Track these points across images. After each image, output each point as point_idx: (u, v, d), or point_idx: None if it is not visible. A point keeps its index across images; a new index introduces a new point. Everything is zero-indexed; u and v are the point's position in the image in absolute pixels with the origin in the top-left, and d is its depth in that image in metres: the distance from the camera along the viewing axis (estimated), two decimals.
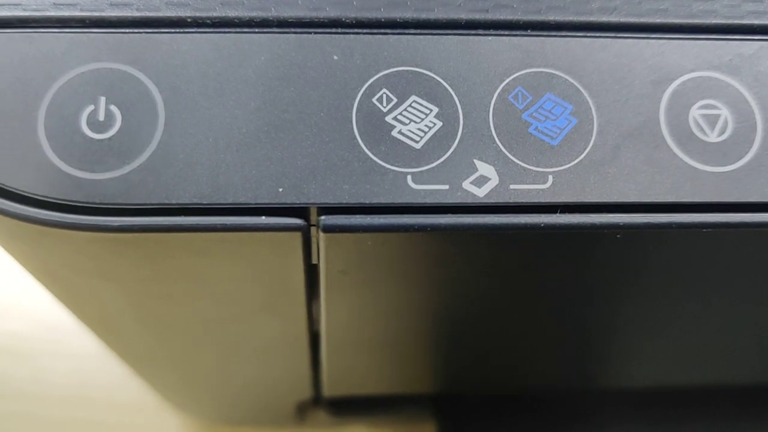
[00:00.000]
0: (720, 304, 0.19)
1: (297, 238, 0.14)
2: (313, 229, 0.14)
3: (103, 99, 0.13)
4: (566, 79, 0.14)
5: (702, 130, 0.14)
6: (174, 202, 0.13)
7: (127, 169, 0.13)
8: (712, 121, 0.14)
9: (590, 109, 0.14)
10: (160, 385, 0.28)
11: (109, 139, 0.13)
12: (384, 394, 0.27)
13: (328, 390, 0.25)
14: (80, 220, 0.13)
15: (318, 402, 0.27)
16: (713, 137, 0.14)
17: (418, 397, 0.29)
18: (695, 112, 0.14)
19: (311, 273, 0.16)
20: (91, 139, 0.13)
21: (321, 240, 0.14)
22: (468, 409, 0.29)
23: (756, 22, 0.15)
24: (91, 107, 0.13)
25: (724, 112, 0.14)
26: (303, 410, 0.29)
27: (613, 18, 0.15)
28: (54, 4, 0.14)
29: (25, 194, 0.13)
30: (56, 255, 0.15)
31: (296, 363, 0.22)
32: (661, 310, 0.19)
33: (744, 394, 0.29)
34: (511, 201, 0.13)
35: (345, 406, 0.29)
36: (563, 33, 0.14)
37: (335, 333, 0.19)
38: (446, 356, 0.23)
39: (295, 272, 0.15)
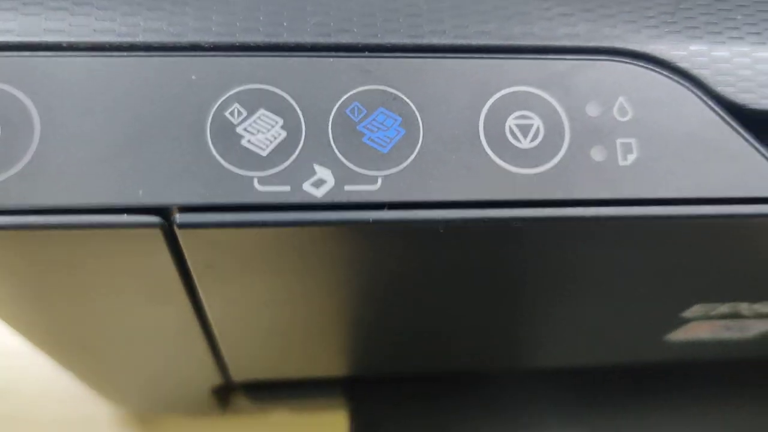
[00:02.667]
0: (574, 291, 0.21)
1: (158, 234, 0.16)
2: (175, 227, 0.16)
3: None
4: (397, 95, 0.16)
5: (516, 137, 0.16)
6: (47, 203, 0.15)
7: (4, 176, 0.15)
8: (525, 129, 0.16)
9: (417, 121, 0.16)
10: (86, 378, 0.30)
11: None
12: (294, 379, 0.29)
13: (235, 375, 0.27)
14: None
15: (231, 387, 0.29)
16: (526, 143, 0.16)
17: (331, 380, 0.31)
18: (511, 122, 0.16)
19: (183, 268, 0.18)
20: None
21: (179, 236, 0.16)
22: (380, 390, 0.32)
23: (569, 43, 0.17)
24: None
25: (537, 122, 0.16)
26: (222, 397, 0.31)
27: (443, 40, 0.17)
28: None
29: None
30: None
31: (197, 351, 0.24)
32: (527, 295, 0.22)
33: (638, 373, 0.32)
34: (345, 200, 0.16)
35: (262, 391, 0.31)
36: (397, 54, 0.16)
37: (222, 322, 0.21)
38: (343, 340, 0.25)
39: (167, 267, 0.17)
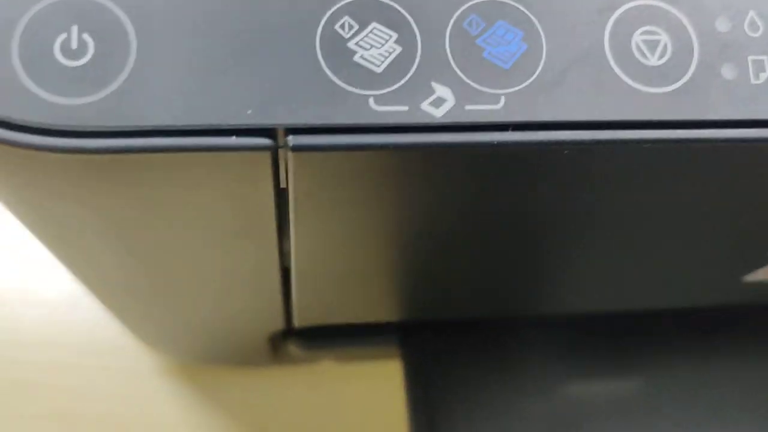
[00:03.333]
0: (671, 224, 0.20)
1: (266, 158, 0.14)
2: (281, 150, 0.15)
3: (75, 28, 0.14)
4: (517, 7, 0.15)
5: (643, 54, 0.15)
6: (147, 124, 0.14)
7: (101, 94, 0.14)
8: (652, 45, 0.15)
9: (540, 35, 0.15)
10: (134, 325, 0.29)
11: (83, 66, 0.14)
12: (352, 324, 0.28)
13: (298, 321, 0.26)
14: (58, 143, 0.14)
15: (289, 334, 0.28)
16: (654, 61, 0.15)
17: (384, 327, 0.30)
18: (637, 38, 0.15)
19: (280, 199, 0.17)
20: (66, 66, 0.14)
21: (290, 159, 0.15)
22: (432, 336, 0.31)
23: None
24: (64, 35, 0.14)
25: (664, 38, 0.15)
26: (275, 345, 0.30)
27: None
28: None
29: (4, 120, 0.14)
30: (37, 182, 0.15)
31: (268, 293, 0.23)
32: (620, 232, 0.21)
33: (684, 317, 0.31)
34: (466, 120, 0.14)
35: (314, 338, 0.30)
36: None
37: (304, 263, 0.20)
38: (412, 283, 0.24)
39: (264, 195, 0.16)
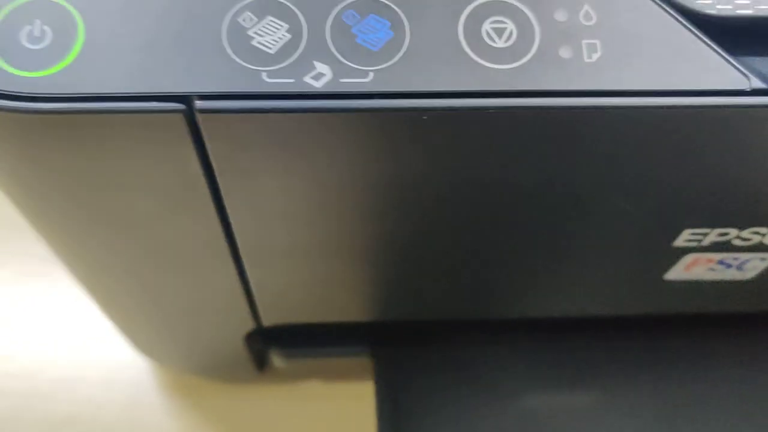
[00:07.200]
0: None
1: (181, 120, 0.18)
2: (196, 112, 0.18)
3: (38, 21, 0.18)
4: (387, 4, 0.19)
5: (492, 38, 0.19)
6: (88, 92, 0.18)
7: (54, 70, 0.18)
8: (500, 32, 0.19)
9: (404, 25, 0.18)
10: (129, 333, 0.32)
11: (41, 49, 0.18)
12: (321, 323, 0.31)
13: (265, 320, 0.29)
14: (19, 105, 0.18)
15: (259, 332, 0.31)
16: (500, 44, 0.19)
17: (356, 338, 0.33)
18: (487, 26, 0.19)
19: (208, 171, 0.20)
20: (29, 49, 0.18)
21: (200, 121, 0.18)
22: (401, 349, 0.33)
23: None
24: (29, 27, 0.18)
25: (510, 26, 0.19)
26: (256, 354, 0.33)
27: None
28: None
29: None
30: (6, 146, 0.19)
31: (230, 289, 0.26)
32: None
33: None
34: (340, 90, 0.18)
35: (290, 347, 0.33)
36: None
37: (249, 240, 0.23)
38: (371, 280, 0.27)
39: (190, 159, 0.20)
